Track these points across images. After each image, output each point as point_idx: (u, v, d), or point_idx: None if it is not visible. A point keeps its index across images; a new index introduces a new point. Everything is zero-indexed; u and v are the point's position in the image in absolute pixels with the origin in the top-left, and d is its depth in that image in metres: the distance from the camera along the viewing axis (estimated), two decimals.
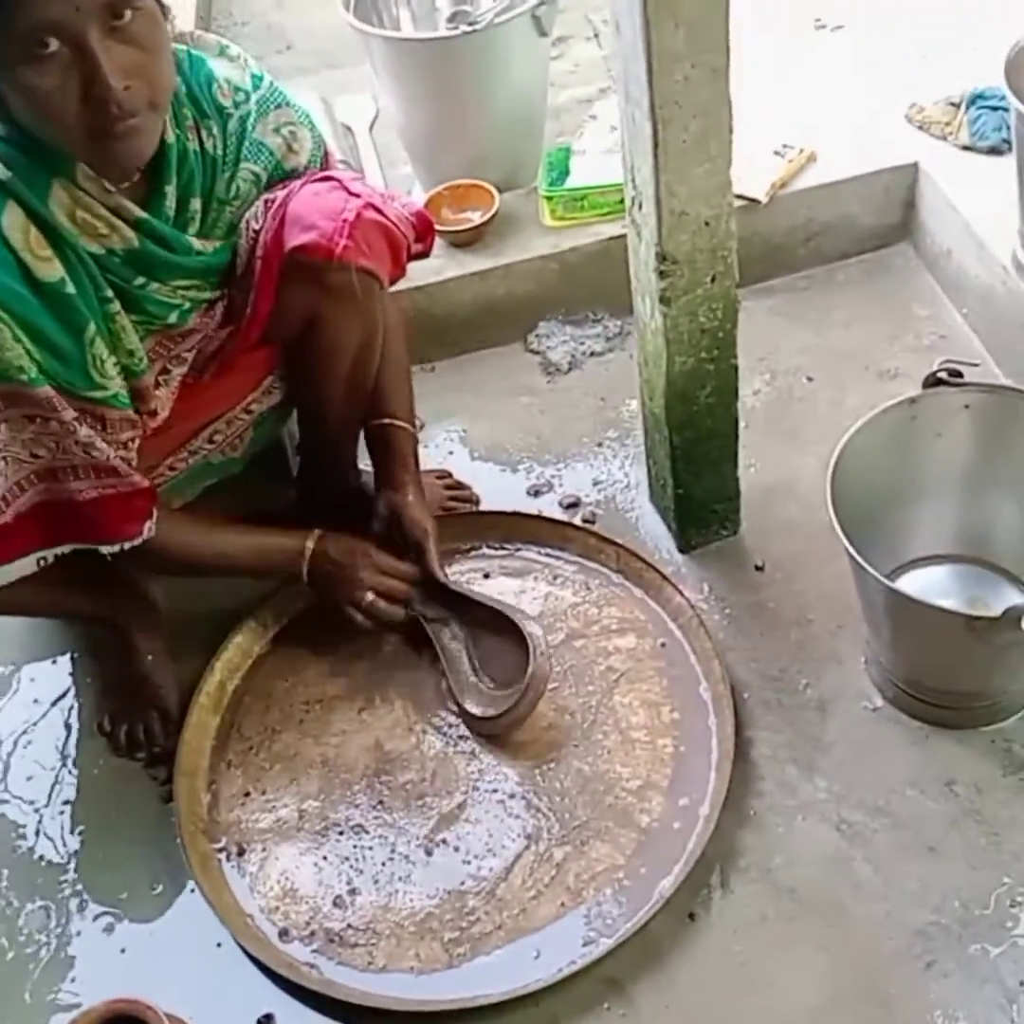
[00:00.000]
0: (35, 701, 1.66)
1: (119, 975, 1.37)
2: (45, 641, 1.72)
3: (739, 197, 1.84)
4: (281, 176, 1.39)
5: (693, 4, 1.06)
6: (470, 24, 1.79)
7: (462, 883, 1.38)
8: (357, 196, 1.37)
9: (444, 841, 1.42)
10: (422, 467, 1.66)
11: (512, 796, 1.44)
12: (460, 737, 1.51)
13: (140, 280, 1.30)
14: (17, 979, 1.38)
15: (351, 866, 1.41)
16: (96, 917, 1.43)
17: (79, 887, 1.46)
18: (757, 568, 1.63)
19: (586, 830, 1.40)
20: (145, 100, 1.16)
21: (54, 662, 1.70)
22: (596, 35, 2.40)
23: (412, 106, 1.95)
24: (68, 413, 1.26)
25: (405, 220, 1.43)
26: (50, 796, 1.55)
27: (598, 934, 1.31)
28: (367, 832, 1.44)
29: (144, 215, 1.26)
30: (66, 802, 1.54)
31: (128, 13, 1.11)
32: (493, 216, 1.93)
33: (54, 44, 1.09)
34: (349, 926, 1.36)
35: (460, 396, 1.94)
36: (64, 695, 1.66)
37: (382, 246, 1.38)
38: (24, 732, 1.63)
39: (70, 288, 1.22)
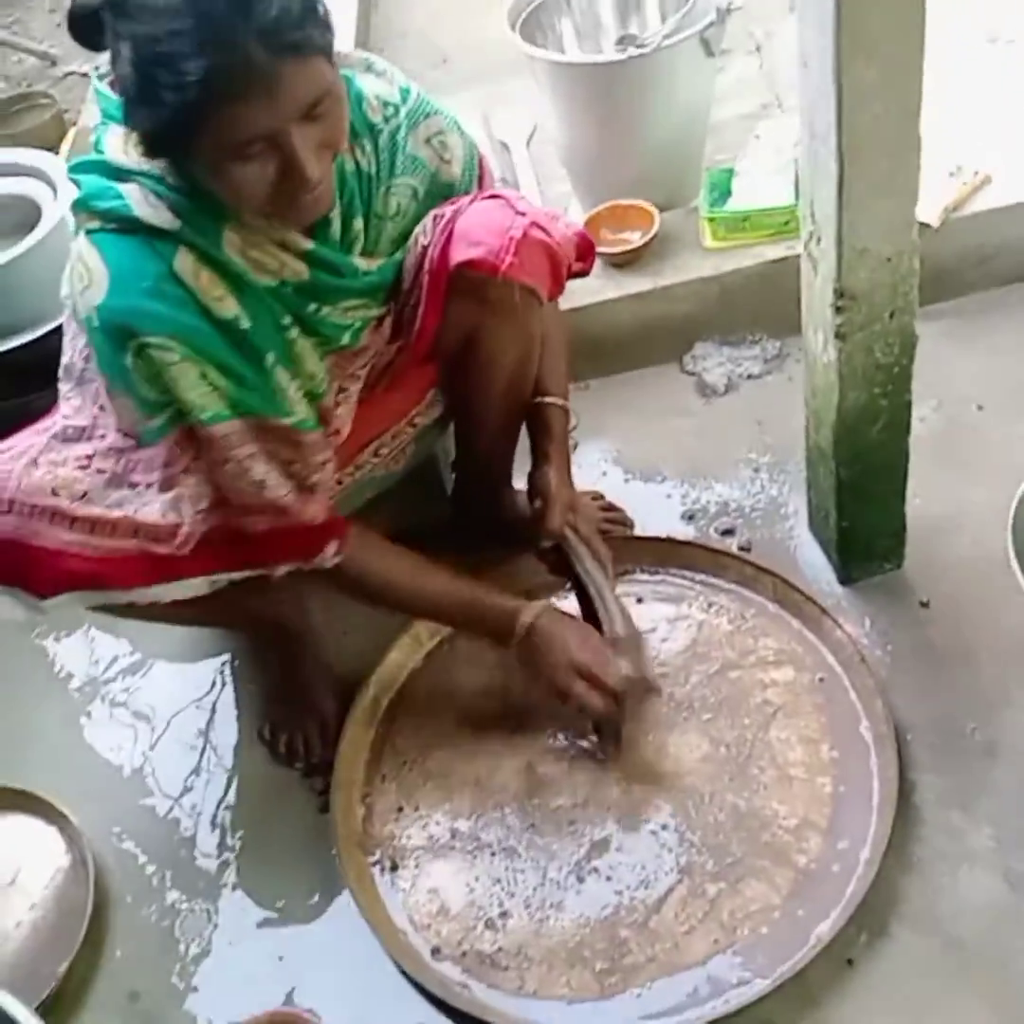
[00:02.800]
0: (196, 705, 1.72)
1: (276, 982, 1.40)
2: (196, 644, 1.78)
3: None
4: (437, 187, 1.40)
5: (890, 43, 1.04)
6: (638, 47, 1.79)
7: (614, 913, 1.38)
8: (523, 214, 1.37)
9: (596, 869, 1.42)
10: (576, 487, 1.66)
11: (665, 827, 1.44)
12: (613, 764, 1.51)
13: (313, 306, 1.33)
14: (178, 983, 1.43)
15: (503, 888, 1.43)
16: (256, 923, 1.47)
17: (238, 893, 1.50)
18: (922, 604, 1.58)
19: (741, 867, 1.39)
20: (329, 166, 1.21)
21: (206, 663, 1.76)
22: (758, 48, 2.37)
23: (575, 126, 1.95)
24: (245, 450, 1.28)
25: (568, 240, 1.44)
26: (209, 799, 1.60)
27: (753, 974, 1.30)
28: (519, 855, 1.45)
29: (311, 246, 1.29)
30: (226, 807, 1.59)
31: (323, 103, 1.14)
32: (653, 237, 1.92)
33: (259, 146, 1.13)
34: (500, 948, 1.38)
35: (615, 416, 1.94)
36: (218, 695, 1.72)
37: (544, 264, 1.39)
38: (188, 735, 1.69)
39: (246, 323, 1.25)
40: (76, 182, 1.26)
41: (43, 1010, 1.34)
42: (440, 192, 1.40)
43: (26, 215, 1.85)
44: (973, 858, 1.35)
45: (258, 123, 1.11)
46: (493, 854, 1.46)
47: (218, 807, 1.59)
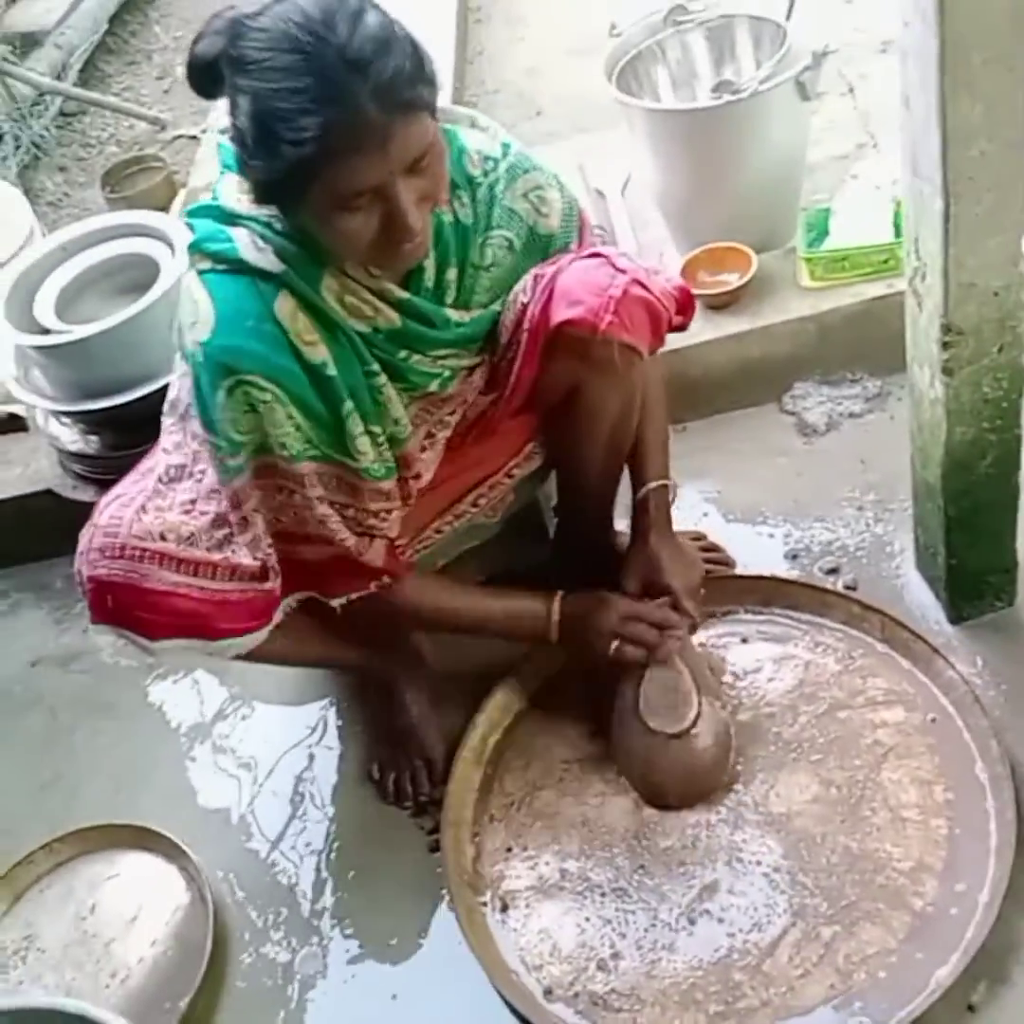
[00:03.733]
0: (303, 747, 1.75)
1: (388, 1021, 1.42)
2: (301, 687, 1.82)
3: None
4: (535, 240, 1.43)
5: (991, 81, 1.04)
6: (734, 93, 1.81)
7: (727, 955, 1.37)
8: (623, 272, 1.39)
9: (708, 911, 1.41)
10: (676, 528, 1.67)
11: (777, 870, 1.42)
12: (722, 804, 1.50)
13: (403, 354, 1.36)
14: (295, 1020, 1.45)
15: (613, 929, 1.43)
16: (369, 963, 1.49)
17: (350, 931, 1.52)
18: None
19: (855, 910, 1.37)
20: (429, 213, 1.25)
21: (310, 707, 1.80)
22: (851, 90, 2.38)
23: (670, 171, 1.98)
24: (315, 491, 1.34)
25: (668, 295, 1.45)
26: (317, 839, 1.63)
27: (871, 1020, 1.28)
28: (630, 896, 1.45)
29: (406, 296, 1.33)
30: (337, 848, 1.62)
31: (426, 157, 1.19)
32: (750, 278, 1.94)
33: (366, 197, 1.17)
34: (613, 990, 1.37)
35: (714, 457, 1.95)
36: (321, 738, 1.75)
37: (644, 320, 1.40)
38: (298, 775, 1.72)
39: (332, 370, 1.30)
40: (190, 225, 1.33)
41: None
42: (538, 244, 1.43)
43: (145, 274, 1.93)
44: None
45: (368, 177, 1.16)
46: (603, 895, 1.46)
47: (328, 847, 1.62)
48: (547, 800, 1.57)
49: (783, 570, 1.75)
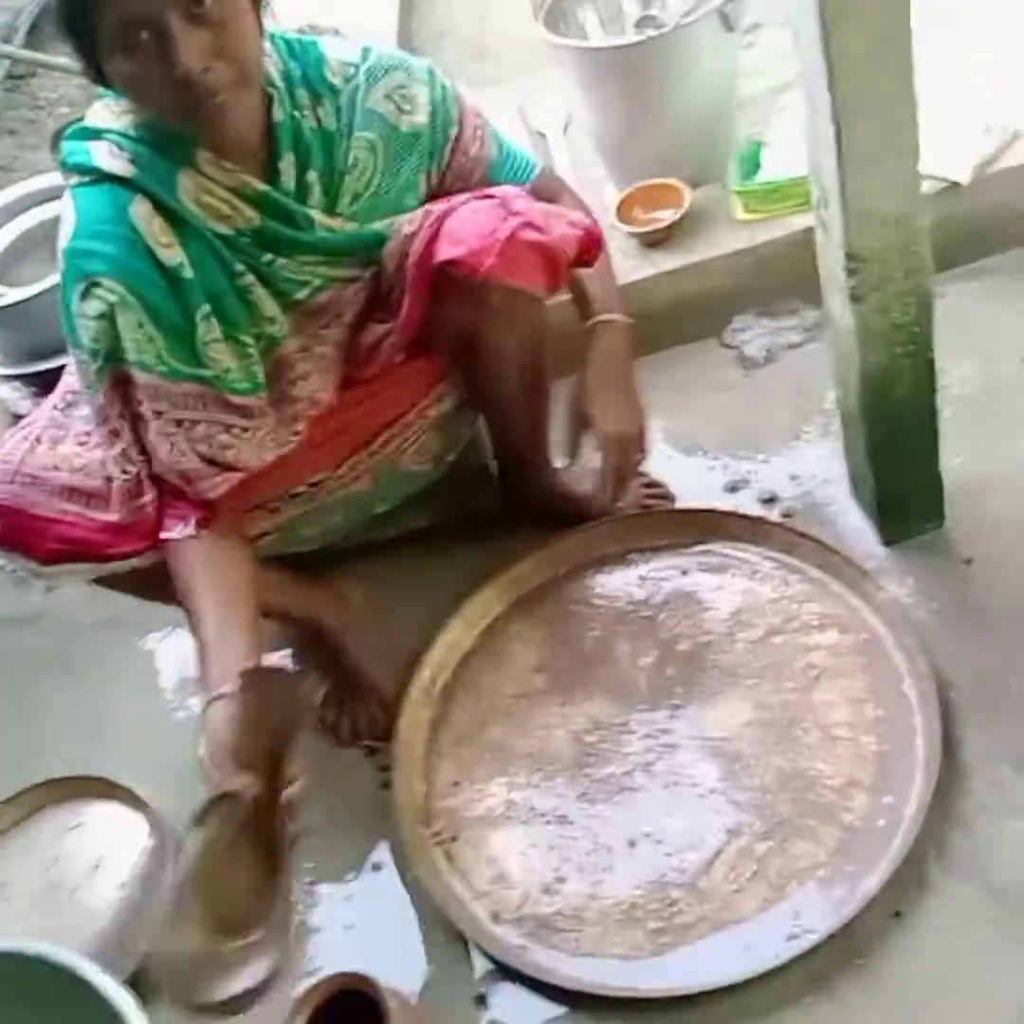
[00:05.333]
0: None
1: (345, 951, 1.46)
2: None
3: (939, 180, 1.82)
4: (401, 140, 1.43)
5: (875, 10, 1.05)
6: (657, 28, 1.81)
7: (665, 875, 1.41)
8: (517, 214, 1.39)
9: (646, 833, 1.45)
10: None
11: (713, 791, 1.47)
12: (660, 731, 1.55)
13: (267, 257, 1.39)
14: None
15: (557, 855, 1.47)
16: (324, 896, 1.53)
17: (309, 866, 1.56)
18: (965, 562, 1.59)
19: (788, 827, 1.41)
20: (229, 79, 1.27)
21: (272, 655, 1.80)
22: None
23: (601, 110, 1.98)
24: (161, 405, 1.35)
25: (568, 238, 1.44)
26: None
27: (802, 930, 1.32)
28: (573, 823, 1.49)
29: (264, 189, 1.36)
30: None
31: (213, 6, 1.22)
32: (684, 214, 1.95)
33: (144, 34, 1.21)
34: (558, 912, 1.42)
35: (655, 394, 1.94)
36: None
37: (535, 263, 1.40)
38: None
39: (188, 273, 1.34)
40: (62, 147, 1.39)
41: (129, 984, 1.41)
42: (406, 143, 1.44)
43: None
44: (1020, 812, 1.36)
45: (138, 6, 1.20)
46: (547, 822, 1.50)
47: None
48: (494, 735, 1.61)
49: (722, 502, 1.77)
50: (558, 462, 1.77)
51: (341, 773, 1.65)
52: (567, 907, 1.42)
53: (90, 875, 1.62)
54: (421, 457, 1.66)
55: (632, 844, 1.45)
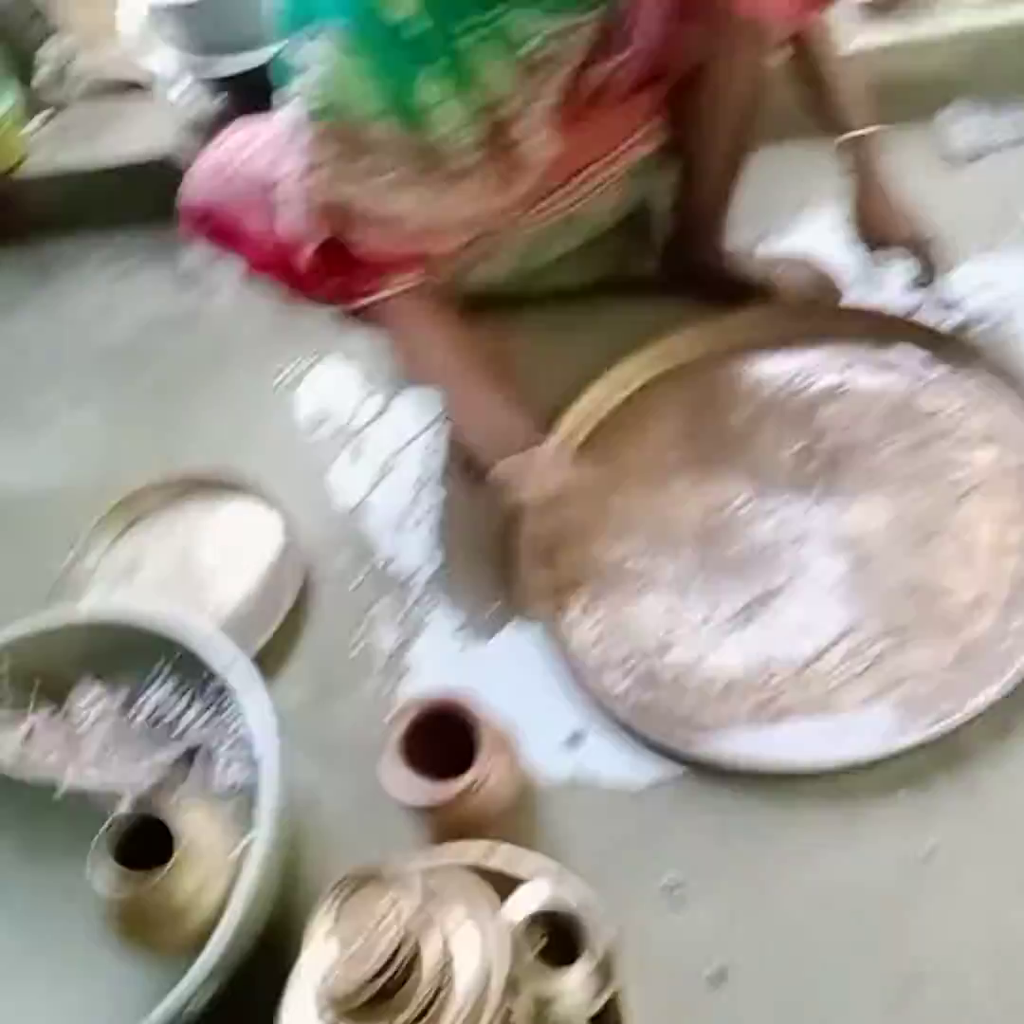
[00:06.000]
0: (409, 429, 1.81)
1: (453, 676, 1.51)
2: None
3: None
4: None
5: None
6: None
7: (773, 657, 1.42)
8: None
9: (762, 616, 1.46)
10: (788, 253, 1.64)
11: (836, 586, 1.45)
12: (793, 520, 1.52)
13: (501, 8, 1.27)
14: (361, 671, 1.56)
15: (671, 619, 1.48)
16: (440, 624, 1.58)
17: (428, 596, 1.61)
18: None
19: (907, 633, 1.39)
20: None
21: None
22: None
23: None
24: (385, 159, 1.30)
25: None
26: (420, 512, 1.71)
27: (903, 731, 1.32)
28: (689, 592, 1.50)
29: None
30: (435, 521, 1.69)
31: None
32: None
33: None
34: (661, 672, 1.44)
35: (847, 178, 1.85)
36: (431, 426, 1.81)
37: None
38: (395, 454, 1.79)
39: (415, 27, 1.22)
40: None
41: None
42: None
43: None
44: None
45: None
46: (665, 588, 1.51)
47: (424, 520, 1.70)
48: (626, 494, 1.61)
49: (901, 302, 1.69)
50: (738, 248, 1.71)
51: (471, 517, 1.67)
52: (669, 671, 1.44)
53: (222, 565, 1.70)
54: (605, 201, 1.60)
55: (746, 622, 1.46)
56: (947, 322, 1.63)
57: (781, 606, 1.46)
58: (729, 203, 1.64)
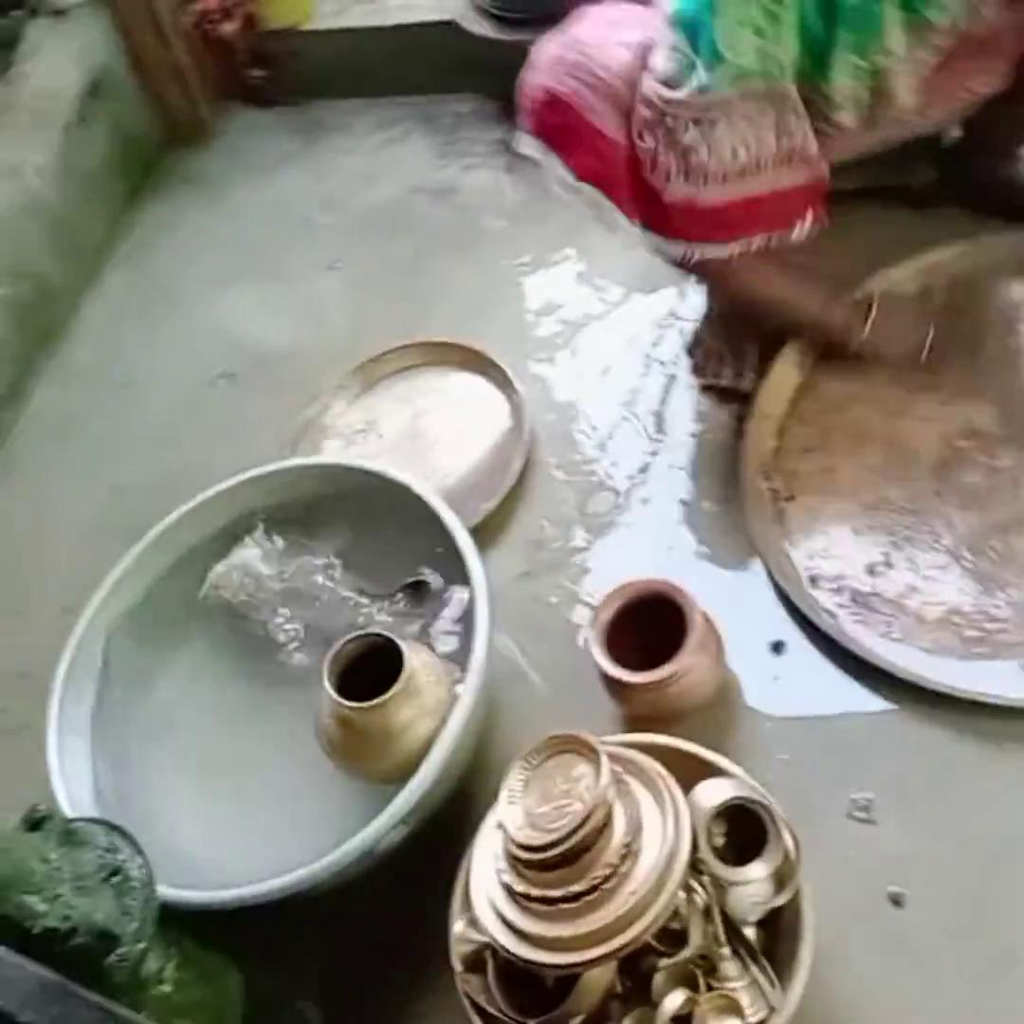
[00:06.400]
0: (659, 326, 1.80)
1: (664, 570, 1.52)
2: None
3: None
4: None
5: None
6: None
7: (998, 592, 1.37)
8: None
9: (992, 548, 1.40)
10: None
11: None
12: None
13: None
14: (571, 555, 1.59)
15: (892, 542, 1.45)
16: (653, 520, 1.59)
17: (642, 492, 1.62)
18: None
19: None
20: None
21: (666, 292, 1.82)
22: None
23: None
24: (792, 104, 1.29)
25: None
26: (649, 403, 1.71)
27: None
28: (916, 516, 1.46)
29: None
30: (656, 418, 1.69)
31: None
32: None
33: None
34: (876, 593, 1.42)
35: None
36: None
37: None
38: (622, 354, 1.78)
39: None
40: None
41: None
42: None
43: None
44: None
45: None
46: (891, 510, 1.47)
47: (639, 409, 1.70)
48: (861, 414, 1.57)
49: None
50: None
51: (698, 410, 1.67)
52: (888, 591, 1.42)
53: (452, 436, 1.75)
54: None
55: (974, 554, 1.41)
56: None
57: (1014, 541, 1.40)
58: None
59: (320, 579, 1.42)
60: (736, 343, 1.67)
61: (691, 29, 1.30)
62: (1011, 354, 1.54)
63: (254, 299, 2.07)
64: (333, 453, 1.74)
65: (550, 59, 1.42)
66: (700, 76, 1.29)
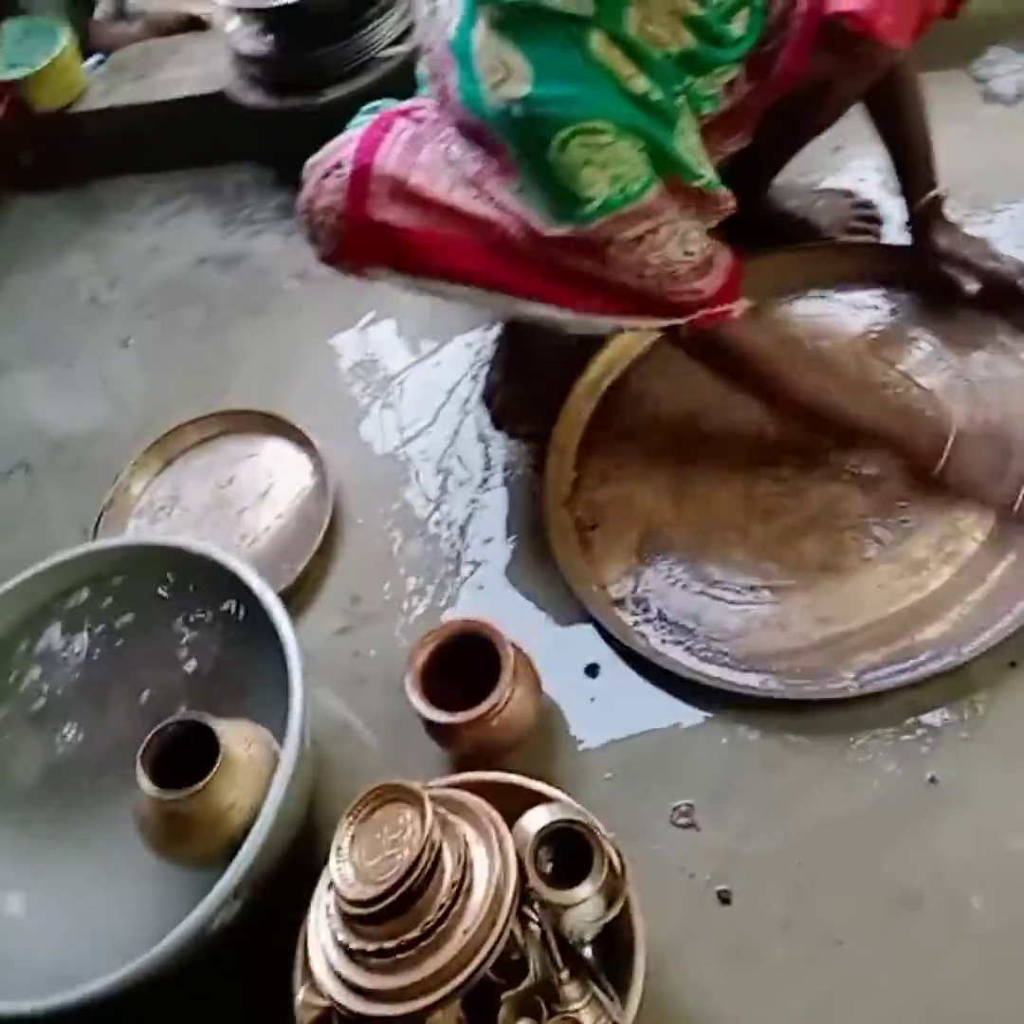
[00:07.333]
0: (435, 364, 1.85)
1: (477, 609, 1.55)
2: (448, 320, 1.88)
3: None
4: None
5: None
6: None
7: (790, 597, 1.43)
8: None
9: (783, 556, 1.47)
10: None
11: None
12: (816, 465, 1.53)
13: (688, 80, 1.30)
14: (395, 590, 1.61)
15: (691, 558, 1.50)
16: (465, 560, 1.62)
17: (454, 535, 1.65)
18: None
19: (924, 568, 1.40)
20: None
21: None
22: None
23: None
24: (669, 214, 1.30)
25: None
26: (440, 451, 1.75)
27: (914, 663, 1.34)
28: (707, 533, 1.52)
29: (700, 13, 1.25)
30: (455, 457, 1.73)
31: None
32: None
33: None
34: (680, 609, 1.47)
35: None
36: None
37: (913, 16, 1.31)
38: (426, 388, 1.82)
39: (657, 94, 1.25)
40: None
41: (281, 600, 1.55)
42: None
43: None
44: None
45: None
46: (686, 529, 1.53)
47: (443, 456, 1.74)
48: (656, 439, 1.63)
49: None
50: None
51: (495, 452, 1.71)
52: (690, 606, 1.47)
53: (257, 501, 1.75)
54: None
55: (767, 563, 1.47)
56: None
57: (802, 548, 1.47)
58: (790, 158, 1.68)
59: (127, 659, 1.40)
60: (528, 386, 1.72)
61: (541, 176, 1.28)
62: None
63: (45, 384, 2.04)
64: (136, 532, 1.72)
65: (368, 186, 1.37)
66: (571, 215, 1.28)
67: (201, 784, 1.21)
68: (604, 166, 1.23)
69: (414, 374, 1.86)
